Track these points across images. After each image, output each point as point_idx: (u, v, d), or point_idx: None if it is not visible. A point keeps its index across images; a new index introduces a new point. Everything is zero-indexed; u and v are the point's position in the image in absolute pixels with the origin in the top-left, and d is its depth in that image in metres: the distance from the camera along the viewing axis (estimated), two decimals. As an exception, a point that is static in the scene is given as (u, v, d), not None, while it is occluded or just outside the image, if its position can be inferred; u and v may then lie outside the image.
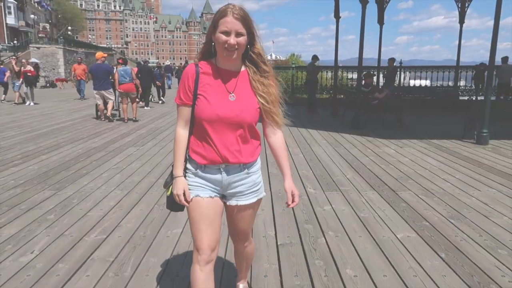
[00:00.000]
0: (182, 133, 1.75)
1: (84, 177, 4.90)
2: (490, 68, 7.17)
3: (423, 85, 15.13)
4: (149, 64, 13.80)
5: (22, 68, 14.44)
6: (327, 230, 3.33)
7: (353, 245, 3.04)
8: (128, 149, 6.63)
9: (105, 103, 10.05)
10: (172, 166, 1.80)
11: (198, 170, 1.75)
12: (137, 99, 10.60)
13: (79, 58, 18.66)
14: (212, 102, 1.65)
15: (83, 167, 5.41)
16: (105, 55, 10.89)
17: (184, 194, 1.74)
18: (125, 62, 10.27)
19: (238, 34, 1.60)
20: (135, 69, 11.71)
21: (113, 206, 3.89)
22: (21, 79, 14.42)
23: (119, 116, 10.75)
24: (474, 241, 3.10)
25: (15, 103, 14.30)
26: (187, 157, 1.78)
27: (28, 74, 14.32)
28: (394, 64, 13.24)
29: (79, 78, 16.80)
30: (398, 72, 14.41)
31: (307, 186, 4.57)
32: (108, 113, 9.95)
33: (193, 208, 1.75)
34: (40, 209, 3.79)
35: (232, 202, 1.82)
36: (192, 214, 1.77)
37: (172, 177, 1.79)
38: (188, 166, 1.77)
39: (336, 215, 3.68)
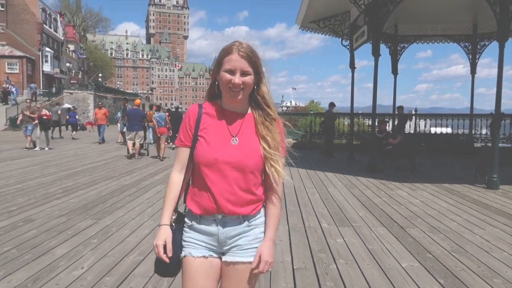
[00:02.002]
0: (177, 177, 1.60)
1: (119, 209, 5.45)
2: (496, 117, 7.58)
3: (444, 132, 15.52)
4: (179, 110, 15.39)
5: (37, 112, 13.96)
6: (338, 258, 3.71)
7: (361, 271, 3.42)
8: (157, 186, 7.20)
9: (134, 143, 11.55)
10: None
11: (193, 222, 1.57)
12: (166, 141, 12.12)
13: (99, 103, 18.88)
14: (212, 145, 1.51)
15: (118, 201, 5.98)
16: (141, 102, 13.19)
17: (164, 246, 1.52)
18: (159, 109, 12.16)
19: (243, 73, 1.49)
20: (167, 113, 13.17)
21: (147, 234, 4.38)
22: (35, 122, 13.73)
23: (147, 155, 12.32)
24: (472, 271, 3.43)
25: (26, 148, 13.60)
26: (187, 210, 1.60)
27: (44, 117, 13.85)
28: (404, 112, 13.74)
29: (100, 122, 16.73)
30: (410, 119, 14.89)
31: (322, 222, 4.97)
32: (136, 151, 11.44)
33: (184, 269, 1.57)
34: (84, 235, 4.31)
35: (228, 258, 1.55)
36: (182, 276, 1.58)
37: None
38: (185, 219, 1.61)
39: (347, 246, 4.06)
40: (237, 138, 1.53)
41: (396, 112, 13.76)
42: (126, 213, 5.25)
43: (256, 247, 1.55)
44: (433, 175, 8.89)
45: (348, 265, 3.54)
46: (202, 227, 1.55)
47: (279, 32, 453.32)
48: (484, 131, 15.46)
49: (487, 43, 13.34)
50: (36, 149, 13.38)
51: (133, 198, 6.17)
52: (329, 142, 13.23)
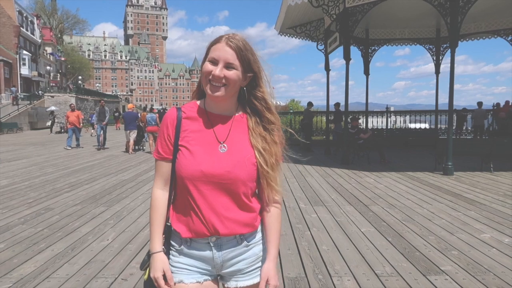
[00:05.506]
0: (160, 194, 1.37)
1: (125, 199, 6.26)
2: (449, 112, 8.72)
3: (422, 127, 16.91)
4: (165, 110, 17.39)
5: None
6: (312, 227, 4.66)
7: (329, 234, 4.37)
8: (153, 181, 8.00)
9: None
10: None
11: (182, 246, 1.35)
12: None
13: (72, 105, 16.86)
14: (196, 155, 1.29)
15: (122, 192, 6.78)
16: (134, 106, 14.84)
17: (164, 277, 1.32)
18: (151, 110, 14.62)
19: (228, 66, 1.27)
20: (157, 114, 14.27)
21: (154, 216, 5.22)
22: None
23: (143, 150, 14.37)
24: (414, 232, 4.43)
25: None
26: (172, 230, 1.37)
27: None
28: (340, 108, 14.51)
29: (71, 125, 15.41)
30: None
31: (299, 203, 5.92)
32: (130, 147, 13.53)
33: None
34: (101, 218, 5.13)
35: (231, 284, 1.41)
36: None
37: (148, 254, 1.37)
38: (172, 241, 1.38)
39: (320, 219, 5.02)
40: (225, 145, 1.33)
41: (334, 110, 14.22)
42: (132, 201, 6.07)
43: (258, 267, 1.40)
44: (399, 165, 9.99)
45: (320, 232, 4.49)
46: (194, 252, 1.35)
47: (259, 32, 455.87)
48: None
49: (449, 45, 14.59)
50: None
51: (135, 190, 6.98)
52: (307, 138, 14.23)
